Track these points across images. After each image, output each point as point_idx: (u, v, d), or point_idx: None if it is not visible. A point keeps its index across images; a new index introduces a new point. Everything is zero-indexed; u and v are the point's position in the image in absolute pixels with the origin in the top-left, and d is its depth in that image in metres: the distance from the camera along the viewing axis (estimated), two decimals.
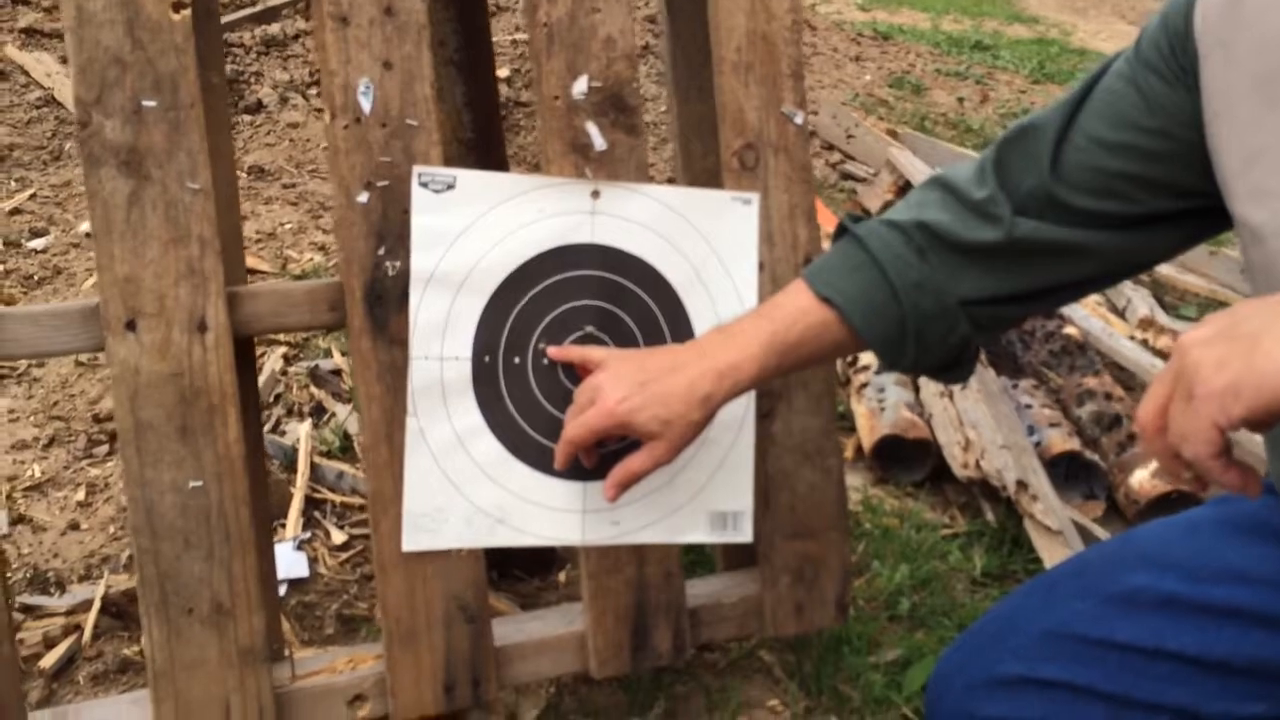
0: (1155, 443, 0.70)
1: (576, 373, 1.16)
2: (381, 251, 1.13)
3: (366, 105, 1.12)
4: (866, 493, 1.75)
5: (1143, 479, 1.69)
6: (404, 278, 1.13)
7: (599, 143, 1.19)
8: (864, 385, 1.90)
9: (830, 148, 3.19)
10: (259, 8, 3.41)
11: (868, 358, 1.96)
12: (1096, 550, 1.15)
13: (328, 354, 1.99)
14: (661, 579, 1.23)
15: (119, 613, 1.39)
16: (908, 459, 1.81)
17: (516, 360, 1.17)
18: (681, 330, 1.21)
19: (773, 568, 1.27)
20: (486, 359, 1.16)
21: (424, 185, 1.14)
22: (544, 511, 1.18)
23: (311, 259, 2.34)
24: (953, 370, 1.09)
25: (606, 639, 1.22)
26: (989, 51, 5.73)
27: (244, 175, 2.72)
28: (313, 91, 3.14)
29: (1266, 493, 1.01)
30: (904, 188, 2.77)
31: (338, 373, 1.89)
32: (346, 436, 1.70)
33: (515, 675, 1.22)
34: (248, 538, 1.11)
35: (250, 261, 2.30)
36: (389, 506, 1.14)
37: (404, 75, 1.12)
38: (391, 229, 1.13)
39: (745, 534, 1.23)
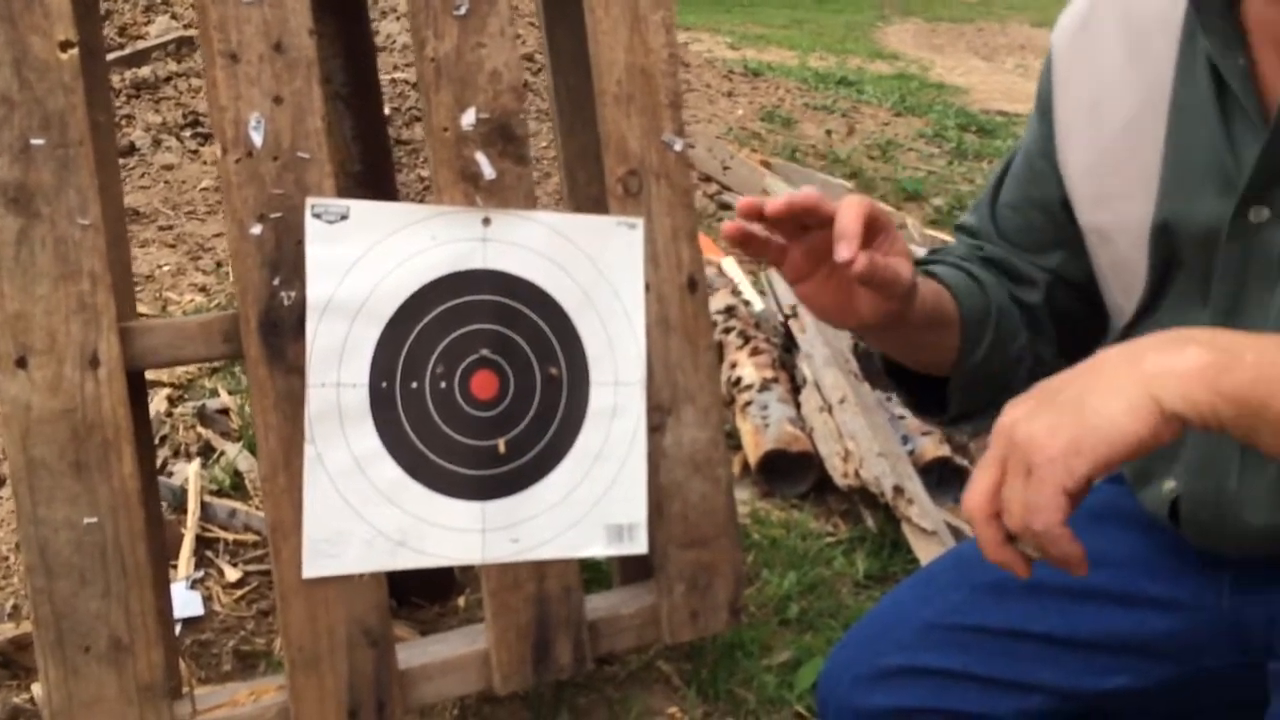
0: (988, 528, 0.69)
1: (464, 398, 1.19)
2: (276, 281, 1.15)
3: (258, 139, 1.14)
4: (754, 505, 1.82)
5: None
6: (299, 307, 1.15)
7: (488, 171, 1.23)
8: (748, 404, 1.97)
9: (708, 179, 3.29)
10: (128, 51, 3.36)
11: (750, 377, 2.04)
12: (969, 545, 1.22)
13: (214, 394, 1.97)
14: (561, 594, 1.27)
15: (6, 661, 1.36)
16: (791, 472, 1.89)
17: (414, 385, 1.20)
18: (573, 350, 1.26)
19: (668, 576, 1.31)
20: (384, 385, 1.19)
21: (317, 216, 1.16)
22: (444, 532, 1.21)
23: (192, 300, 2.31)
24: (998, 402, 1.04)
25: (509, 655, 1.25)
26: (854, 87, 5.96)
27: None
28: (186, 133, 3.11)
29: (1118, 481, 1.10)
30: None
31: (225, 412, 1.87)
32: (237, 474, 1.69)
33: (420, 697, 1.24)
34: (145, 573, 1.11)
35: None
36: (289, 534, 1.15)
37: (295, 109, 1.15)
38: (286, 259, 1.15)
39: (640, 545, 1.28)
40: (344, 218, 1.17)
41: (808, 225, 0.83)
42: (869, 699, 1.19)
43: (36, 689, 1.32)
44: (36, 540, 1.06)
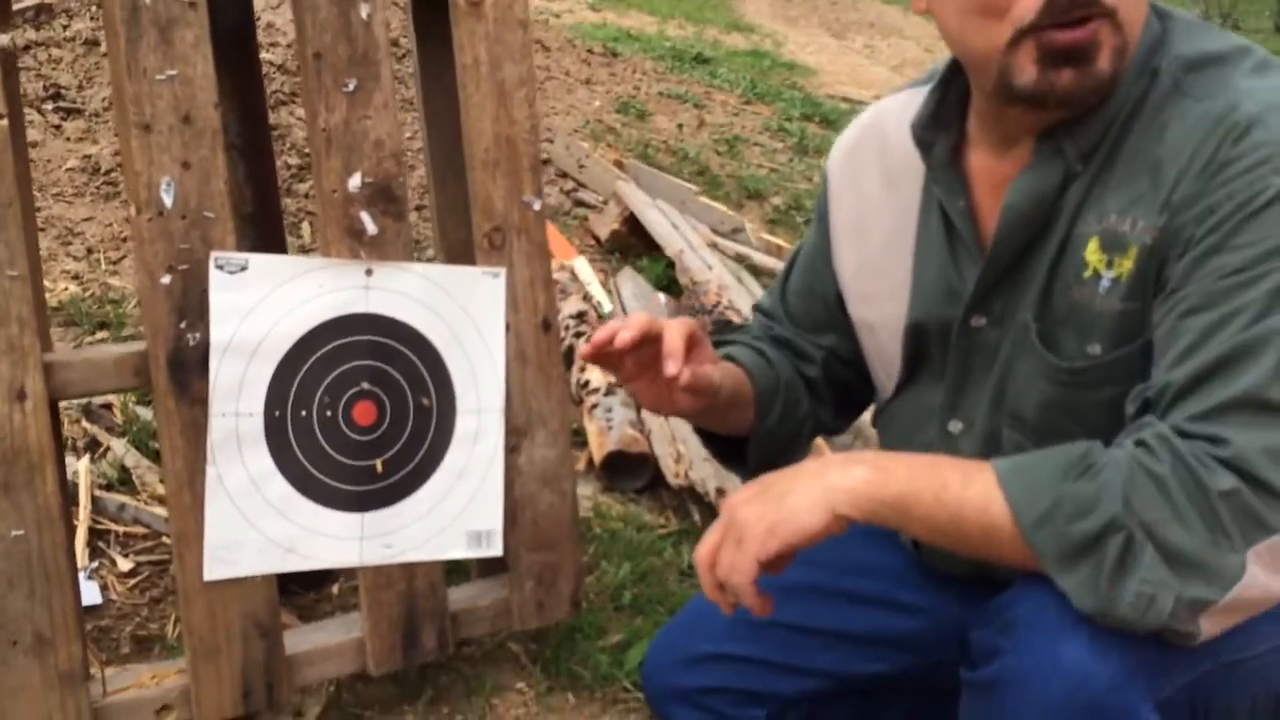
0: (706, 576, 1.00)
1: (347, 425, 1.39)
2: (183, 325, 1.32)
3: (168, 200, 1.30)
4: (596, 500, 2.06)
5: None
6: (203, 347, 1.32)
7: (371, 228, 1.42)
8: (594, 406, 2.21)
9: (564, 175, 3.49)
10: None
11: (596, 381, 2.27)
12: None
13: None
14: (427, 589, 1.48)
15: None
16: (631, 469, 2.13)
17: (303, 413, 1.38)
18: (443, 382, 1.46)
19: (519, 574, 1.54)
20: (276, 413, 1.37)
21: (220, 268, 1.33)
22: (327, 540, 1.41)
23: (67, 288, 2.39)
24: (788, 457, 1.33)
25: (382, 642, 1.46)
26: (708, 67, 6.21)
27: None
28: (48, 107, 3.12)
29: None
30: (629, 218, 3.11)
31: (108, 407, 2.00)
32: (124, 469, 1.83)
33: (304, 678, 1.44)
34: (65, 576, 1.28)
35: None
36: (192, 543, 1.33)
37: (201, 174, 1.31)
38: (192, 306, 1.32)
39: (497, 549, 1.51)
40: (244, 269, 1.35)
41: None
42: (683, 679, 1.46)
43: None
44: None
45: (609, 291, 2.78)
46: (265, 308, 1.36)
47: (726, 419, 1.24)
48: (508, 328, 1.50)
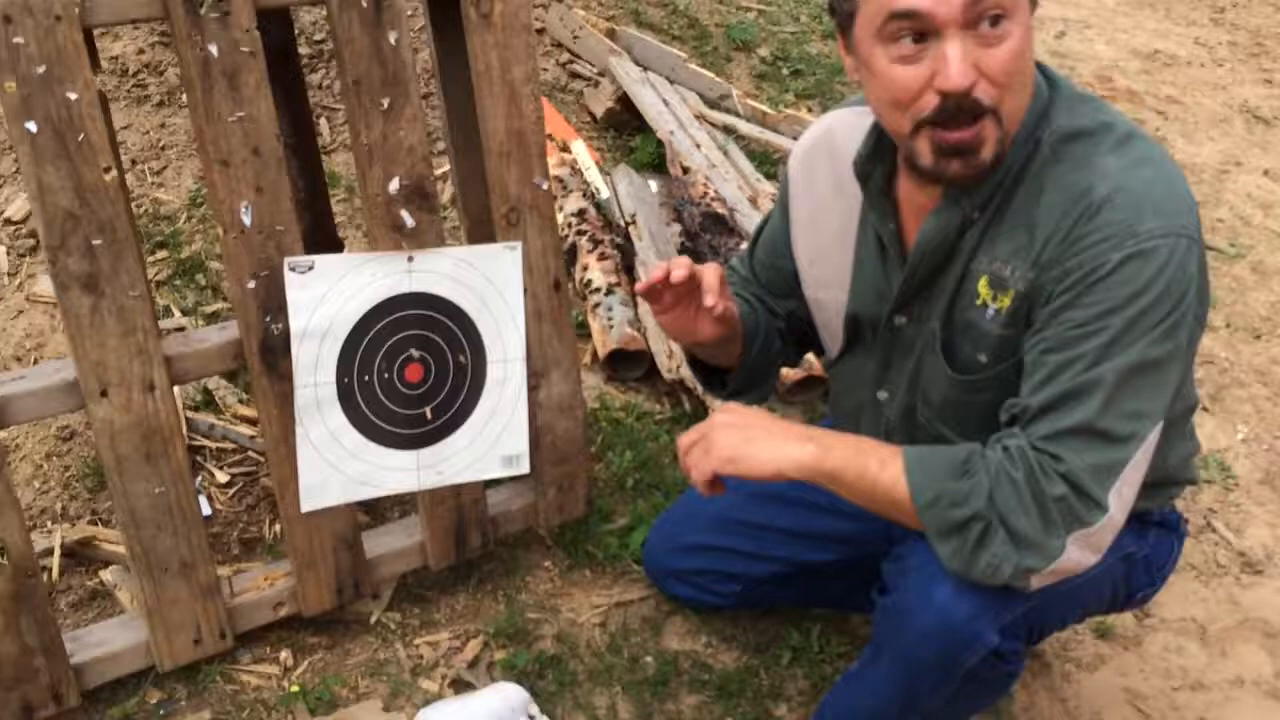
0: (681, 458, 1.39)
1: (401, 384, 1.74)
2: (268, 319, 1.64)
3: (248, 220, 1.60)
4: (600, 390, 2.42)
5: (785, 371, 2.44)
6: (285, 334, 1.65)
7: (410, 222, 1.72)
8: (596, 305, 2.53)
9: (559, 46, 3.66)
10: None
11: (598, 280, 2.59)
12: None
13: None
14: (471, 502, 1.87)
15: (71, 553, 1.90)
16: (630, 361, 2.48)
17: (366, 378, 1.73)
18: (475, 342, 1.80)
19: (543, 484, 1.93)
20: (345, 380, 1.71)
21: (293, 270, 1.64)
22: (392, 473, 1.78)
23: None
24: (761, 387, 1.71)
25: (438, 545, 1.86)
26: None
27: None
28: None
29: None
30: (622, 97, 3.33)
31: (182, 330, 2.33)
32: (207, 392, 2.19)
33: (380, 575, 1.85)
34: (196, 517, 1.66)
35: None
36: (289, 484, 1.71)
37: (271, 196, 1.60)
38: (274, 301, 1.64)
39: (525, 468, 1.88)
40: (311, 268, 1.66)
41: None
42: (676, 562, 1.87)
43: (105, 574, 1.87)
44: (127, 505, 1.60)
45: (606, 180, 3.04)
46: (330, 298, 1.68)
47: (723, 351, 1.60)
48: (525, 290, 1.82)
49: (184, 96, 2.53)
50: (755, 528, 1.79)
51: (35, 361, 2.25)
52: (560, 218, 2.77)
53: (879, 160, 1.40)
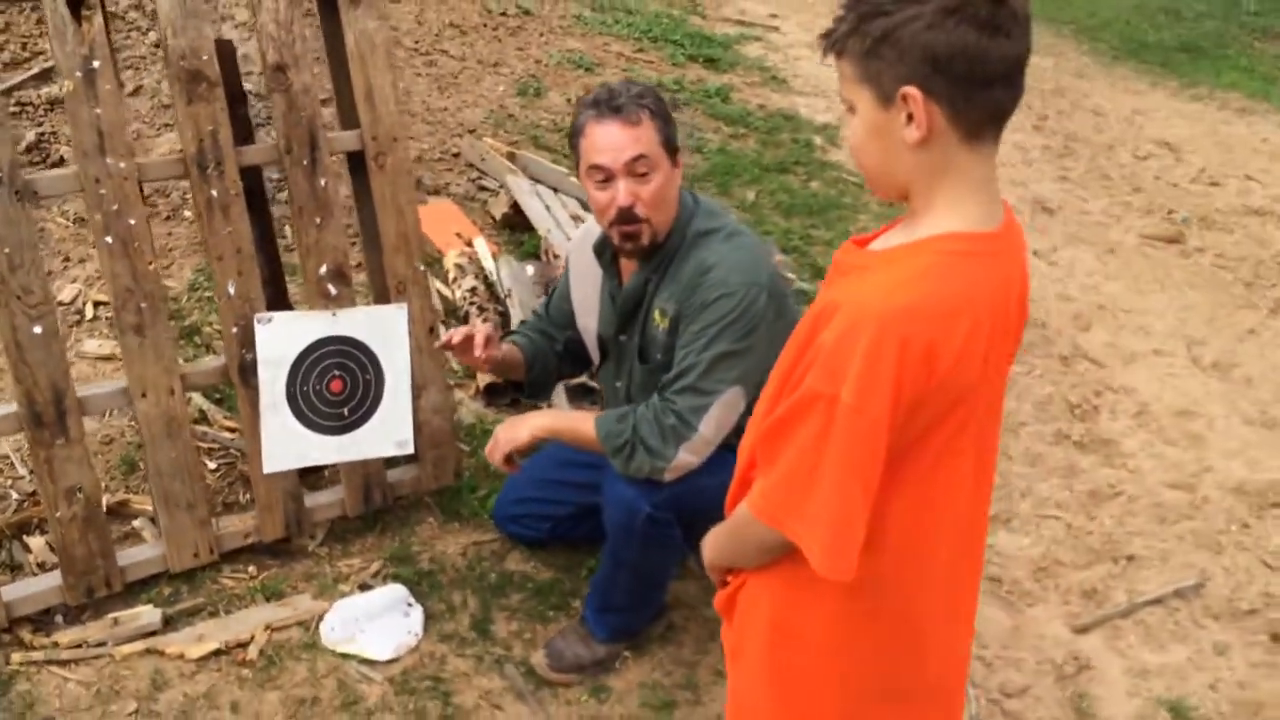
0: (487, 454, 2.47)
1: (328, 393, 2.77)
2: (244, 351, 2.68)
3: (232, 291, 2.64)
4: (479, 412, 3.45)
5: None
6: (254, 361, 2.68)
7: (334, 292, 2.77)
8: None
9: (470, 166, 4.77)
10: (36, 70, 4.50)
11: None
12: (555, 445, 2.89)
13: None
14: (375, 471, 2.90)
15: (112, 510, 2.89)
16: (500, 391, 3.52)
17: (304, 389, 2.76)
18: (376, 366, 2.83)
19: (425, 461, 2.96)
20: (291, 389, 2.74)
21: (259, 322, 2.69)
22: (322, 450, 2.80)
23: None
24: (545, 391, 2.77)
25: (353, 499, 2.88)
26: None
27: (71, 224, 3.99)
28: None
29: None
30: (515, 204, 4.42)
31: None
32: (201, 411, 3.21)
33: (315, 519, 2.86)
34: (198, 476, 2.67)
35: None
36: (256, 454, 2.72)
37: (248, 278, 2.65)
38: (247, 341, 2.67)
39: (410, 450, 2.90)
40: (271, 320, 2.70)
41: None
42: (509, 510, 2.92)
43: (135, 523, 2.86)
44: (155, 466, 2.61)
45: (496, 265, 4.11)
46: (283, 338, 2.72)
47: (510, 373, 2.65)
48: (410, 334, 2.87)
49: (186, 214, 3.61)
50: (556, 484, 2.82)
51: None
52: (459, 292, 3.84)
53: (608, 246, 2.47)
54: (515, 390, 2.76)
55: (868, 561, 1.44)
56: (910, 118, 1.31)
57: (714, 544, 1.70)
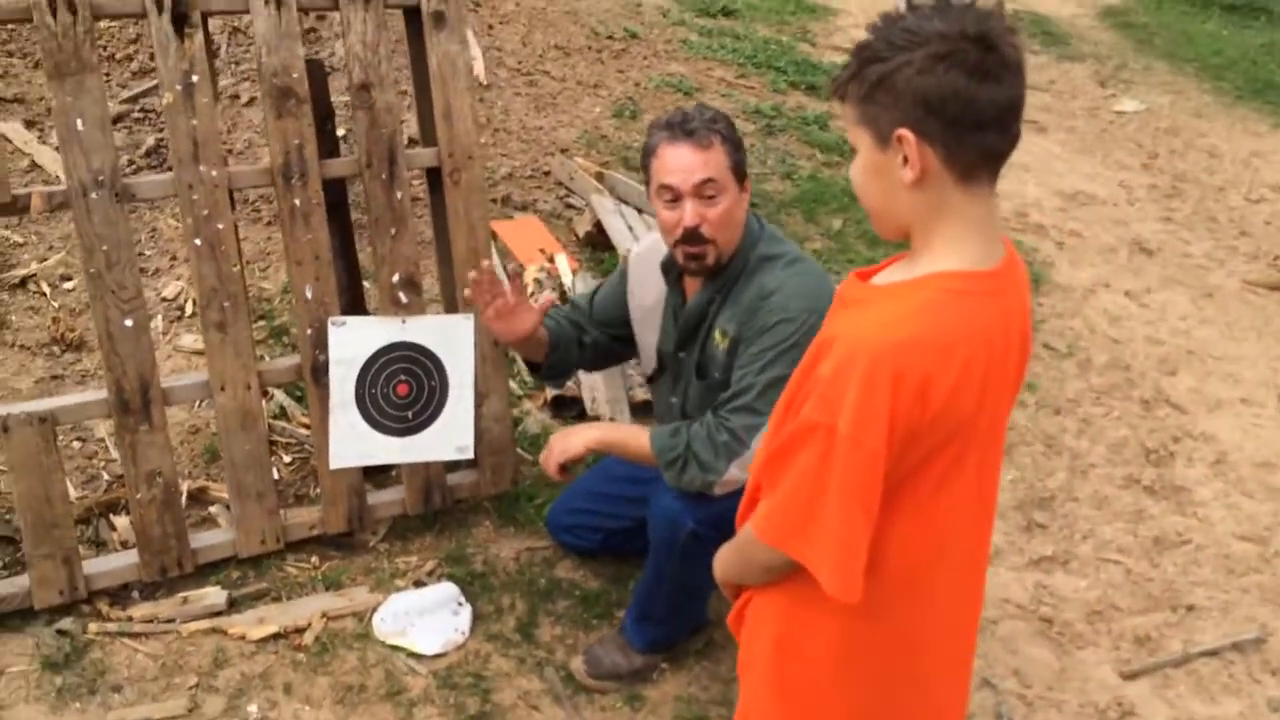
0: (542, 463, 2.53)
1: (394, 396, 2.90)
2: (316, 352, 2.83)
3: (309, 295, 2.80)
4: (545, 422, 3.55)
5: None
6: (326, 362, 2.83)
7: (405, 300, 2.91)
8: None
9: (559, 184, 4.90)
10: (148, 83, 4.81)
11: None
12: (609, 459, 2.98)
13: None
14: (435, 474, 3.02)
15: (192, 496, 3.07)
16: (569, 404, 3.62)
17: (373, 391, 2.90)
18: (442, 373, 2.95)
19: (484, 467, 3.07)
20: (359, 391, 2.89)
21: (333, 324, 2.84)
22: (387, 450, 2.94)
23: None
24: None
25: (414, 498, 3.01)
26: (729, 23, 7.46)
27: (179, 225, 4.24)
28: None
29: None
30: (598, 222, 4.53)
31: None
32: (282, 407, 3.38)
33: (377, 516, 3.00)
34: (267, 466, 2.83)
35: None
36: (323, 452, 2.87)
37: (324, 282, 2.80)
38: (321, 341, 2.83)
39: (470, 454, 3.02)
40: (345, 324, 2.85)
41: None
42: (562, 520, 3.00)
43: (213, 509, 3.04)
44: (230, 456, 2.77)
45: (574, 281, 4.22)
46: (354, 341, 2.86)
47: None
48: (475, 344, 2.99)
49: None
50: (609, 497, 2.90)
51: None
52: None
53: (674, 263, 2.55)
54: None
55: (869, 584, 1.49)
56: (906, 159, 1.36)
57: (722, 561, 1.76)
